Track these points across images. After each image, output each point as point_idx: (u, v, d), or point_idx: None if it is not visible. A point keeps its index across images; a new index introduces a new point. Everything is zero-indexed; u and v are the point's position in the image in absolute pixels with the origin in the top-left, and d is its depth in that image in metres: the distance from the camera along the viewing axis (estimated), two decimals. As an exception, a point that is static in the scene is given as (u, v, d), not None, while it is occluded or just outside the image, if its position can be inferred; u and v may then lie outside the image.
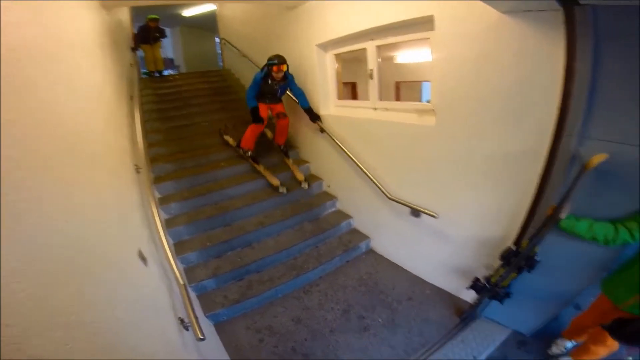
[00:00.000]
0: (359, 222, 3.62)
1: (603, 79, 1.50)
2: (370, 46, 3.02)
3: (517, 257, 1.88)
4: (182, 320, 1.62)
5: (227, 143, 4.22)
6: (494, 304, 2.16)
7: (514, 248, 1.92)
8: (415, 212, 2.68)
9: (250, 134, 3.73)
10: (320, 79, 3.78)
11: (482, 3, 1.71)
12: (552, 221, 1.67)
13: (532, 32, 1.69)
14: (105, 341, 0.90)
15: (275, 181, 3.61)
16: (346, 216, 3.68)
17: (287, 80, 3.59)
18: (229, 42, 6.63)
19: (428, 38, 2.35)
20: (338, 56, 3.69)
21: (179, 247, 3.00)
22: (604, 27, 1.44)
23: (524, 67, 1.78)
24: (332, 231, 3.47)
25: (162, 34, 6.81)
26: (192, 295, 2.63)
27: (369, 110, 3.23)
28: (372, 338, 2.33)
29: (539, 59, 1.71)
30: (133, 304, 1.28)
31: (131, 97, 3.57)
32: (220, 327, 2.56)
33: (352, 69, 4.68)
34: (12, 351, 0.54)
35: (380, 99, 3.13)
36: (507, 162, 2.01)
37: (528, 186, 1.89)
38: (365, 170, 3.14)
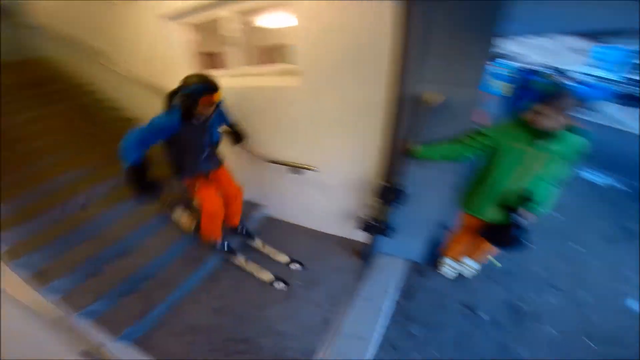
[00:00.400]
0: (250, 191, 3.24)
1: (435, 33, 1.78)
2: (227, 12, 2.72)
3: (388, 192, 2.13)
4: (88, 353, 1.49)
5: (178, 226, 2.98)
6: (387, 239, 2.45)
7: (383, 184, 2.15)
8: (295, 169, 2.73)
9: (207, 219, 2.52)
10: (172, 52, 3.25)
11: None
12: (406, 154, 2.01)
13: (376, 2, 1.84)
14: None
15: (266, 276, 2.61)
16: None
17: (218, 111, 2.25)
18: (38, 26, 5.13)
19: (291, 1, 2.25)
20: (194, 25, 3.15)
21: (38, 279, 2.29)
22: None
23: (370, 26, 1.95)
24: None
25: None
26: (87, 322, 2.17)
27: (234, 78, 2.95)
28: (299, 302, 2.39)
29: (381, 18, 1.89)
30: None
31: None
32: (142, 344, 2.18)
33: (211, 38, 3.63)
34: None
35: (246, 65, 2.92)
36: (365, 110, 2.23)
37: (385, 128, 2.15)
38: None
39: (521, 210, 1.85)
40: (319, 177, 2.75)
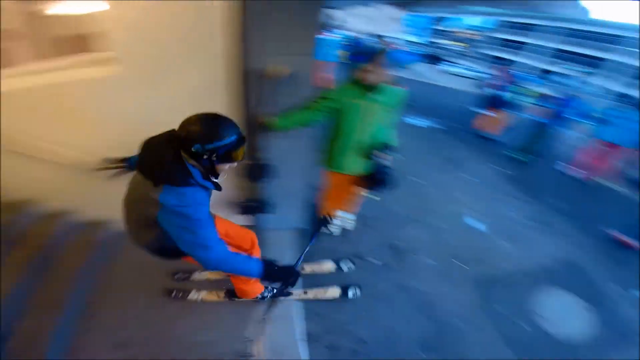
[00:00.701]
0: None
1: (273, 10, 1.77)
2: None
3: (255, 169, 2.13)
4: None
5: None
6: (268, 216, 2.45)
7: (249, 162, 2.15)
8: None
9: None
10: None
11: None
12: (263, 127, 2.03)
13: None
14: None
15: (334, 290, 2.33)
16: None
17: None
18: None
19: None
20: None
21: None
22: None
23: (194, 15, 1.82)
24: None
25: None
26: None
27: (27, 77, 2.24)
28: (204, 305, 2.14)
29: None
30: None
31: None
32: None
33: None
34: None
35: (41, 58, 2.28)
36: (209, 91, 2.08)
37: (237, 106, 2.08)
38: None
39: (377, 153, 2.12)
40: None
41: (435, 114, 7.21)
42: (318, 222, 1.89)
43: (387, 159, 2.18)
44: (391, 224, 3.14)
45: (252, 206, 2.34)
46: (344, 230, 2.89)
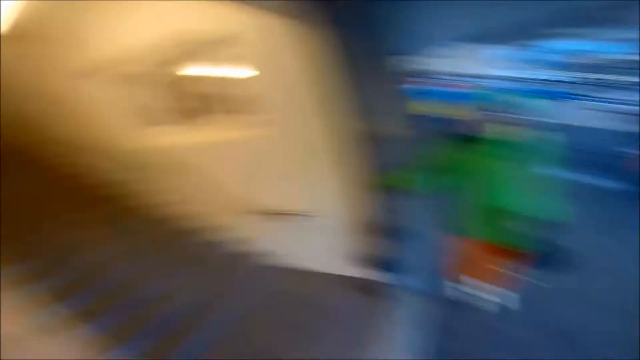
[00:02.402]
0: None
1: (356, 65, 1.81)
2: (168, 73, 2.65)
3: (383, 227, 2.06)
4: None
5: None
6: (394, 274, 2.30)
7: (377, 220, 2.08)
8: (283, 216, 2.55)
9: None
10: (106, 111, 3.15)
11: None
12: (384, 186, 1.98)
13: (313, 35, 1.73)
14: None
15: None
16: None
17: None
18: None
19: (239, 53, 2.22)
20: (128, 80, 2.88)
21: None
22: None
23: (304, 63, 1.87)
24: None
25: None
26: None
27: (188, 135, 2.81)
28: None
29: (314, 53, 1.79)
30: None
31: None
32: None
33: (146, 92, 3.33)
34: None
35: (198, 118, 2.76)
36: (332, 148, 2.10)
37: (358, 164, 2.06)
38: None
39: (529, 222, 1.65)
40: (312, 221, 2.52)
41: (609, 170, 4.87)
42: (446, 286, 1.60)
43: (548, 231, 1.68)
44: (565, 308, 2.45)
45: (377, 262, 2.21)
46: (501, 307, 2.40)
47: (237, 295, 2.59)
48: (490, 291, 2.36)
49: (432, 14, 2.46)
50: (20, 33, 2.81)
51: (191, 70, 2.80)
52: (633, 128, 4.83)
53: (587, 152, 5.24)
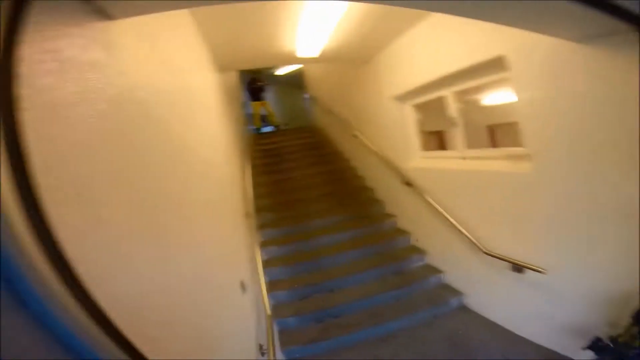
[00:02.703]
0: (452, 277, 3.36)
1: None
2: (448, 93, 2.89)
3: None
4: (261, 347, 1.91)
5: None
6: None
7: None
8: (518, 268, 2.36)
9: None
10: (401, 131, 3.66)
11: (551, 37, 1.64)
12: None
13: (616, 57, 1.53)
14: (205, 344, 1.05)
15: None
16: (436, 271, 3.50)
17: None
18: (315, 99, 7.15)
19: (508, 78, 2.20)
20: (419, 105, 3.49)
21: (271, 285, 3.31)
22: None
23: (617, 98, 1.59)
24: (418, 284, 3.38)
25: (263, 89, 7.45)
26: (274, 328, 2.77)
27: (456, 160, 3.03)
28: None
29: (632, 86, 1.48)
30: (230, 321, 1.49)
31: (243, 152, 4.20)
32: None
33: (437, 117, 4.16)
34: (145, 332, 0.68)
35: (470, 146, 2.92)
36: (627, 209, 1.68)
37: None
38: (455, 223, 2.92)
39: None
40: (544, 280, 2.25)
41: None
42: None
43: None
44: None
45: (608, 347, 1.73)
46: None
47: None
48: None
49: None
50: (331, 57, 3.65)
51: (468, 98, 2.87)
52: None
53: None
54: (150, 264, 0.81)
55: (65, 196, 0.55)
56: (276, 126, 7.84)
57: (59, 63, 0.63)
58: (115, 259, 0.66)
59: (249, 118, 7.51)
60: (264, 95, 7.51)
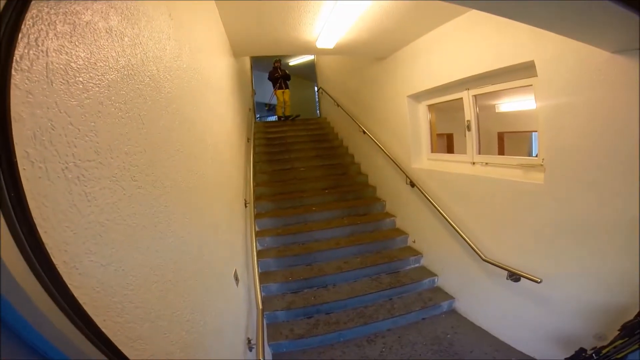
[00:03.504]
0: (444, 280, 3.40)
1: None
2: (466, 96, 2.83)
3: None
4: (249, 341, 1.87)
5: None
6: None
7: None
8: (515, 276, 2.38)
9: None
10: (412, 131, 3.61)
11: (587, 45, 1.59)
12: None
13: None
14: (191, 338, 1.01)
15: None
16: (430, 273, 3.54)
17: None
18: (325, 91, 7.13)
19: (530, 85, 2.20)
20: (431, 106, 3.45)
21: (264, 277, 3.32)
22: None
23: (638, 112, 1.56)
24: (411, 286, 3.39)
25: (289, 77, 7.47)
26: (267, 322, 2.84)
27: (466, 164, 2.99)
28: None
29: None
30: (220, 314, 1.42)
31: (248, 140, 4.11)
32: (278, 357, 2.58)
33: (448, 119, 4.37)
34: (127, 329, 0.64)
35: (480, 152, 2.88)
36: (632, 226, 1.69)
37: None
38: (457, 229, 2.92)
39: None
40: (538, 289, 2.29)
41: None
42: None
43: None
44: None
45: (591, 358, 1.72)
46: None
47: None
48: None
49: None
50: (347, 50, 3.56)
51: (484, 103, 2.81)
52: None
53: None
54: (140, 252, 0.75)
55: (48, 170, 0.49)
56: (290, 116, 7.80)
57: (71, 26, 0.57)
58: (100, 247, 0.59)
59: (256, 105, 7.44)
60: (287, 83, 7.43)
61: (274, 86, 7.35)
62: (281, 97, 7.40)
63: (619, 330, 1.66)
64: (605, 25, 1.31)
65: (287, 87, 7.38)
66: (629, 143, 1.63)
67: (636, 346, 1.58)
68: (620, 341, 1.63)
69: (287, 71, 7.41)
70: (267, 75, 7.55)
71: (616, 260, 1.82)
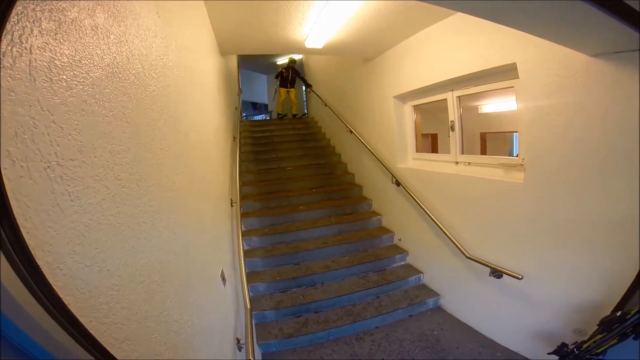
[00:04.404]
0: (430, 278, 3.46)
1: None
2: (450, 97, 2.86)
3: (624, 324, 1.64)
4: (238, 341, 1.87)
5: None
6: None
7: (618, 314, 1.68)
8: (497, 273, 2.45)
9: None
10: (397, 131, 3.62)
11: (567, 48, 1.65)
12: None
13: (627, 75, 1.55)
14: (180, 338, 1.00)
15: None
16: (416, 271, 3.59)
17: None
18: (313, 91, 7.04)
19: (512, 87, 2.27)
20: (417, 107, 3.46)
21: (251, 277, 3.31)
22: None
23: (622, 115, 1.61)
24: (398, 284, 3.44)
25: (299, 75, 7.23)
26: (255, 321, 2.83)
27: (449, 164, 3.03)
28: None
29: (638, 105, 1.54)
30: (208, 314, 1.42)
31: (234, 139, 4.08)
32: (268, 357, 2.57)
33: (432, 120, 4.37)
34: (114, 330, 0.64)
35: (463, 152, 2.92)
36: (609, 224, 1.77)
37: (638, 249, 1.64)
38: (441, 227, 2.98)
39: None
40: (520, 286, 2.35)
41: None
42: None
43: None
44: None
45: (572, 352, 1.77)
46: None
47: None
48: None
49: None
50: (336, 50, 3.58)
51: (468, 104, 2.89)
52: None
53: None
54: (125, 252, 0.74)
55: (30, 169, 0.48)
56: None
57: (57, 23, 0.56)
58: (84, 247, 0.58)
59: (242, 104, 7.35)
60: (294, 83, 7.37)
61: (281, 85, 7.26)
62: (284, 95, 7.35)
63: (597, 325, 1.70)
64: (584, 29, 1.36)
65: (292, 87, 7.35)
66: (606, 144, 1.69)
67: (615, 341, 1.66)
68: (600, 336, 1.69)
69: (299, 72, 7.32)
70: (254, 73, 7.44)
71: (593, 257, 1.88)
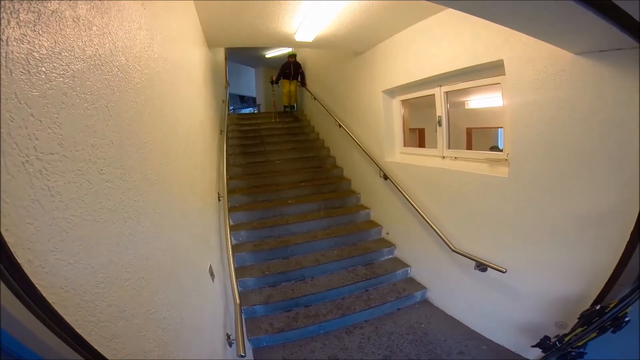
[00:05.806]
0: (417, 271, 3.50)
1: None
2: (438, 92, 2.84)
3: (602, 317, 1.68)
4: (228, 336, 1.88)
5: None
6: None
7: (597, 307, 1.72)
8: (482, 266, 2.49)
9: None
10: (385, 125, 3.59)
11: (552, 46, 1.68)
12: None
13: (610, 73, 1.59)
14: (169, 336, 1.00)
15: None
16: (403, 264, 3.63)
17: None
18: (301, 85, 7.03)
19: (499, 83, 2.30)
20: (405, 102, 3.42)
21: (240, 271, 3.29)
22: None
23: (604, 112, 1.65)
24: (386, 277, 3.46)
25: (300, 69, 7.09)
26: (245, 317, 2.84)
27: (436, 158, 3.04)
28: None
29: (620, 102, 1.59)
30: (197, 310, 1.42)
31: (221, 132, 4.01)
32: (259, 352, 2.57)
33: (420, 114, 4.34)
34: (101, 328, 0.63)
35: (450, 146, 2.93)
36: (589, 219, 1.81)
37: (617, 244, 1.66)
38: (428, 220, 3.00)
39: None
40: (504, 279, 2.40)
41: None
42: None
43: None
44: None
45: (554, 345, 1.82)
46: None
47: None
48: None
49: None
50: (326, 44, 3.58)
51: (455, 100, 2.92)
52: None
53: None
54: (110, 249, 0.73)
55: (7, 164, 0.46)
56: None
57: (36, 14, 0.54)
58: (67, 244, 0.57)
59: (230, 97, 7.25)
60: (297, 76, 7.29)
61: (283, 77, 7.19)
62: (287, 87, 7.28)
63: (578, 318, 1.75)
64: (571, 27, 1.39)
65: (295, 79, 7.31)
66: (589, 141, 1.73)
67: (594, 334, 1.69)
68: (580, 329, 1.72)
69: (300, 66, 7.26)
70: (242, 66, 7.31)
71: (574, 252, 1.93)
